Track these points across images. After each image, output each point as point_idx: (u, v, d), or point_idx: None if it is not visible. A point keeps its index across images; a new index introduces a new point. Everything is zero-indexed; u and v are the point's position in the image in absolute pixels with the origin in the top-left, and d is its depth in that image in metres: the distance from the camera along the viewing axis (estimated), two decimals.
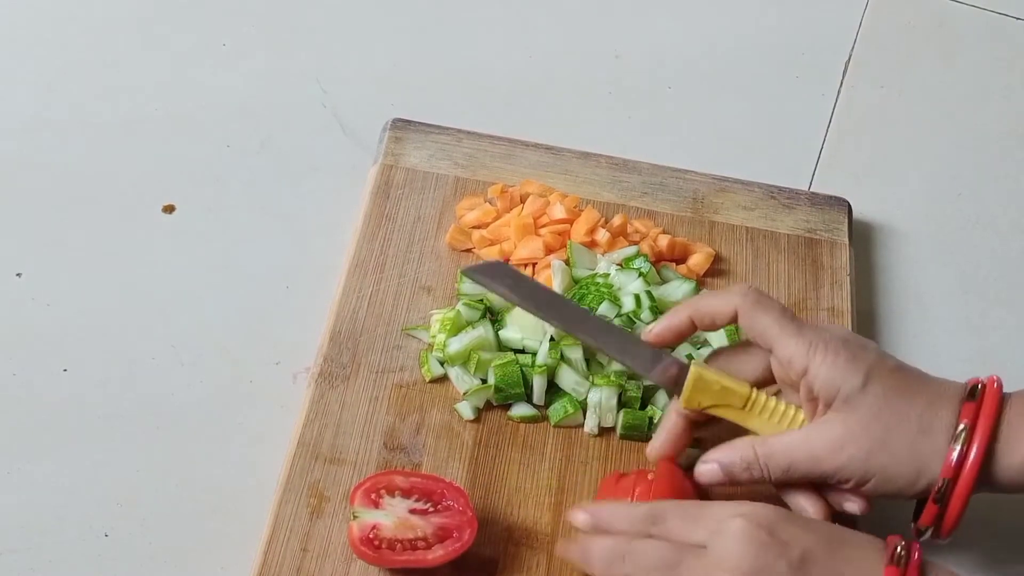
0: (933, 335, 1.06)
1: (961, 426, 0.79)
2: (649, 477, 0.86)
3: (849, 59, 1.25)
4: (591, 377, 0.93)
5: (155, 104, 1.11)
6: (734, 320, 0.85)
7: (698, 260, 1.03)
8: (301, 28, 1.20)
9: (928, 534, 0.82)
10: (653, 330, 0.87)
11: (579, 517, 0.82)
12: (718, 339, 0.96)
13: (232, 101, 1.13)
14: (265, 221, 1.05)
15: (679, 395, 0.86)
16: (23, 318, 0.96)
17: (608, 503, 0.85)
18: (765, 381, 0.86)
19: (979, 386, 0.80)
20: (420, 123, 1.09)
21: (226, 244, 1.03)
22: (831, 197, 1.09)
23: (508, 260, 1.00)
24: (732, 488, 0.86)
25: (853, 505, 0.84)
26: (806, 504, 0.84)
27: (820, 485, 0.84)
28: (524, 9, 1.26)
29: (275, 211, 1.06)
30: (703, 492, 0.87)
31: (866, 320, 1.05)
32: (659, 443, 0.88)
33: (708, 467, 0.85)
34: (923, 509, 0.81)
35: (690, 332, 0.87)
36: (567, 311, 0.91)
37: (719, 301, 0.86)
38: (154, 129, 1.10)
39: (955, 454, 0.79)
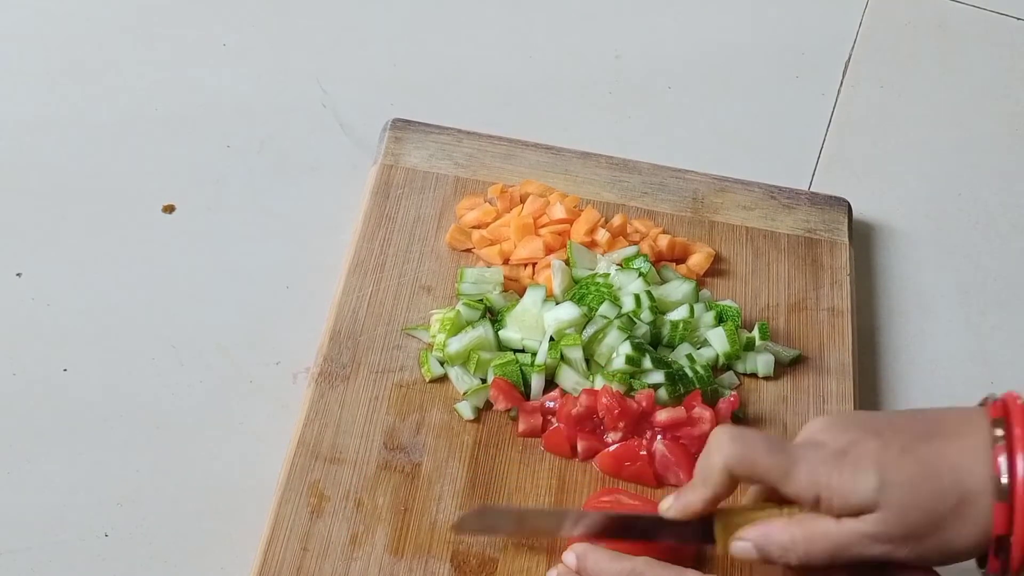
0: (933, 335, 1.06)
1: (1004, 480, 0.73)
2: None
3: (849, 59, 1.25)
4: (591, 376, 0.93)
5: (155, 104, 1.11)
6: (735, 477, 0.79)
7: (698, 260, 1.03)
8: (301, 28, 1.20)
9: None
10: (671, 510, 0.82)
11: (568, 557, 0.81)
12: (719, 338, 0.96)
13: (232, 101, 1.13)
14: (265, 221, 1.05)
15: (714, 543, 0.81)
16: (23, 318, 0.96)
17: (596, 551, 0.81)
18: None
19: (1003, 428, 0.75)
20: (420, 123, 1.09)
21: (226, 244, 1.03)
22: (831, 197, 1.09)
23: (508, 260, 1.00)
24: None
25: None
26: None
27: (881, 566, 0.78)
28: (524, 9, 1.26)
29: (275, 211, 1.06)
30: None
31: (866, 320, 1.05)
32: (683, 505, 0.81)
33: (742, 545, 0.80)
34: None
35: (711, 507, 0.81)
36: (581, 519, 0.85)
37: (709, 471, 0.79)
38: (154, 129, 1.10)
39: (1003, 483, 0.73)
